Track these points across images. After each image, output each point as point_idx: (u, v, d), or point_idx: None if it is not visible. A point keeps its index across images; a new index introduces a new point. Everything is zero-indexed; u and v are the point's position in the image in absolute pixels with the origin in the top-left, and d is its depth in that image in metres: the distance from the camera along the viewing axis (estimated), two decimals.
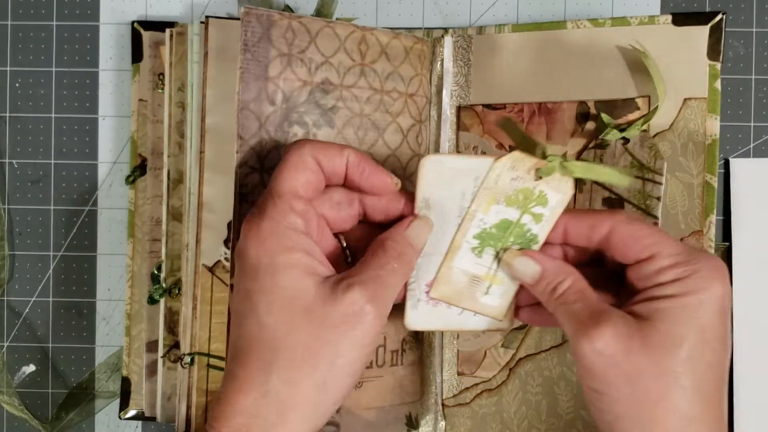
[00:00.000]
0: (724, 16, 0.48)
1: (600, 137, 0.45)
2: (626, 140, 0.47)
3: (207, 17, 0.45)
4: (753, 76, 0.51)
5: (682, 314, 0.36)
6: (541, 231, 0.41)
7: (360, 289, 0.37)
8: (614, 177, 0.40)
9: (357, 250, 0.41)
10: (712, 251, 0.48)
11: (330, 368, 0.37)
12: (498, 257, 0.42)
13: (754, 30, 0.51)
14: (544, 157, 0.39)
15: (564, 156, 0.40)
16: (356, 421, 0.47)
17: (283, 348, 0.36)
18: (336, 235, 0.41)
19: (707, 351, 0.36)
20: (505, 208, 0.41)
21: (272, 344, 0.36)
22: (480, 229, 0.41)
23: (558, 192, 0.40)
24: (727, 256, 0.51)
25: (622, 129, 0.46)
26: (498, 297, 0.42)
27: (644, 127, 0.47)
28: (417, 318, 0.43)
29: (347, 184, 0.40)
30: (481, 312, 0.43)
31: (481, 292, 0.42)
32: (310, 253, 0.37)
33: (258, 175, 0.43)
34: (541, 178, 0.40)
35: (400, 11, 0.53)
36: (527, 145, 0.40)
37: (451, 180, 0.40)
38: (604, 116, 0.47)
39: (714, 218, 0.48)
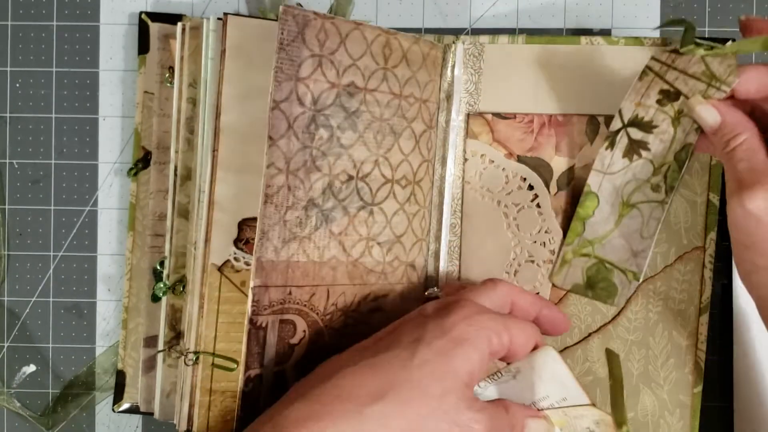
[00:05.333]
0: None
1: (681, 49, 0.44)
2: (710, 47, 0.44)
3: (225, 14, 0.44)
4: None
5: None
6: None
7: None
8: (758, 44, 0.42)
9: None
10: (712, 267, 0.49)
11: None
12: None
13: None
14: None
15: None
16: None
17: None
18: None
19: None
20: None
21: None
22: None
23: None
24: (726, 255, 0.51)
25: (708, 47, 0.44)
26: None
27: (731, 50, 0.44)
28: None
29: None
30: None
31: None
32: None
33: (283, 177, 0.43)
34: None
35: (400, 11, 0.53)
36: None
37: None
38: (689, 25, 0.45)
39: (714, 235, 0.49)
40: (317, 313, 0.45)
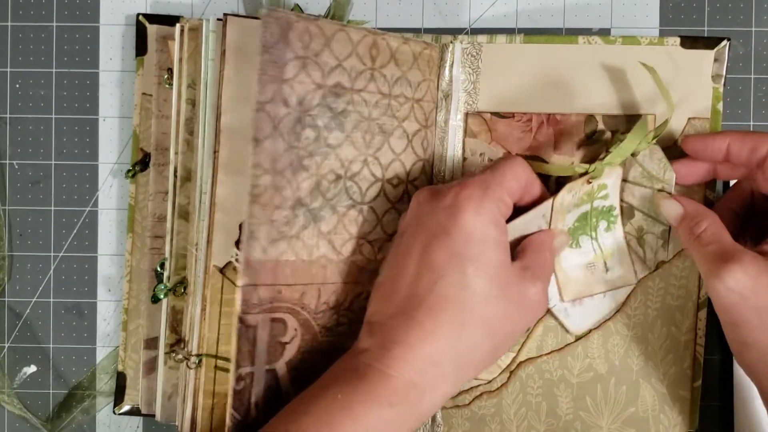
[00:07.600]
0: (729, 43, 0.49)
1: (609, 149, 0.46)
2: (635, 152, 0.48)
3: (225, 15, 0.44)
4: (752, 76, 0.51)
5: None
6: (614, 200, 0.47)
7: (541, 282, 0.43)
8: (637, 139, 0.46)
9: None
10: None
11: (502, 341, 0.42)
12: (595, 237, 0.47)
13: (753, 29, 0.51)
14: (586, 171, 0.45)
15: (600, 159, 0.46)
16: None
17: (480, 312, 0.41)
18: None
19: None
20: (577, 209, 0.46)
21: (470, 306, 0.40)
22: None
23: (610, 177, 0.46)
24: None
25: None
26: (618, 265, 0.48)
27: (653, 141, 0.47)
28: (575, 323, 0.48)
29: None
30: (616, 285, 0.48)
31: (603, 271, 0.47)
32: (505, 236, 0.43)
33: (270, 177, 0.43)
34: (591, 181, 0.46)
35: (400, 12, 0.53)
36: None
37: (523, 228, 0.45)
38: (619, 136, 0.48)
39: None
40: (308, 312, 0.46)
